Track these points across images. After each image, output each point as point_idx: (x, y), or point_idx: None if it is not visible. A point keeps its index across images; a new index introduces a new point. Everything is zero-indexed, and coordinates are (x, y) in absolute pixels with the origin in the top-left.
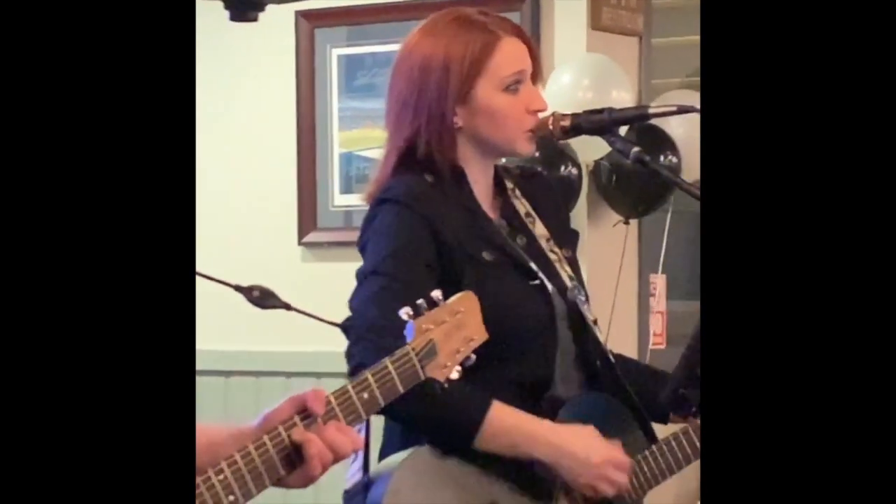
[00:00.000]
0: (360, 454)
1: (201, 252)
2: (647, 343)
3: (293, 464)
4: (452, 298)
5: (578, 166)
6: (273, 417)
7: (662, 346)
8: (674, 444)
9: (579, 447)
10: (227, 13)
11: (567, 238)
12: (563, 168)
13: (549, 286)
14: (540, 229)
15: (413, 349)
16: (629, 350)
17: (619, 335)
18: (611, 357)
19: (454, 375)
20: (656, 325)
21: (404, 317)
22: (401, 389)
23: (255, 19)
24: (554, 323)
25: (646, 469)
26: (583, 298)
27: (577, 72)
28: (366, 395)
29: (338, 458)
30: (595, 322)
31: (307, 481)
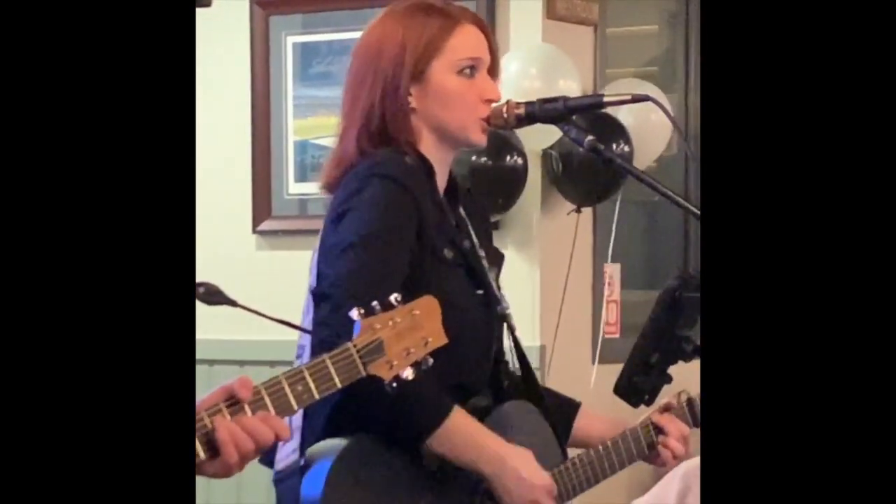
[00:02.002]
0: (297, 435)
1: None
2: (600, 332)
3: (216, 450)
4: (411, 302)
5: (524, 156)
6: (199, 406)
7: (616, 336)
8: (585, 460)
9: (524, 469)
10: None
11: (493, 258)
12: (508, 158)
13: (490, 296)
14: (474, 238)
15: (354, 346)
16: (583, 339)
17: (572, 324)
18: (533, 371)
19: (406, 375)
20: (610, 314)
21: (354, 315)
22: (338, 384)
23: (208, 4)
24: (491, 331)
25: (560, 483)
26: (509, 311)
27: (525, 61)
28: (299, 388)
29: (258, 447)
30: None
31: (224, 469)
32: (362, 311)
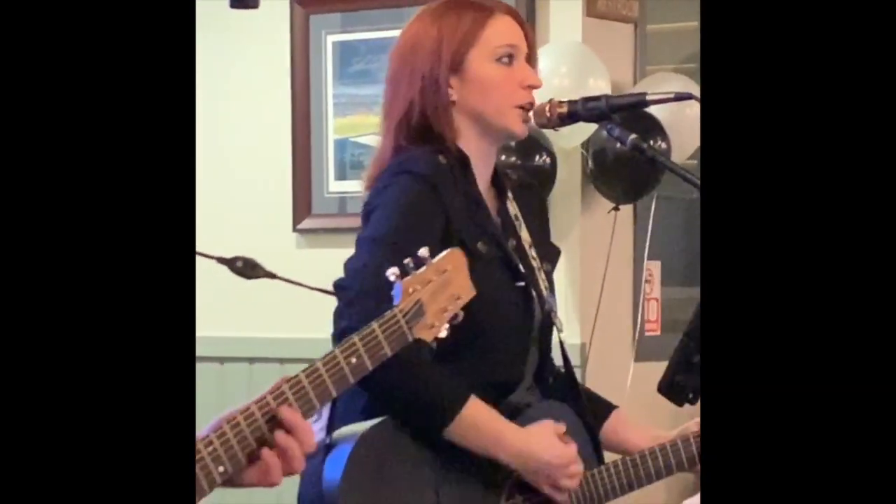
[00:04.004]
0: (325, 413)
1: (196, 239)
2: (642, 330)
3: (252, 458)
4: (439, 256)
5: (553, 155)
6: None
7: (657, 333)
8: (620, 467)
9: (544, 450)
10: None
11: (548, 253)
12: (536, 157)
13: (532, 290)
14: (525, 235)
15: (401, 311)
16: (623, 336)
17: (613, 322)
18: (574, 373)
19: (442, 334)
20: (650, 311)
21: (391, 277)
22: (388, 352)
23: (255, 6)
24: (532, 326)
25: (592, 487)
26: (556, 310)
27: (555, 59)
28: (354, 360)
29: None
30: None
31: (264, 476)
32: (398, 272)
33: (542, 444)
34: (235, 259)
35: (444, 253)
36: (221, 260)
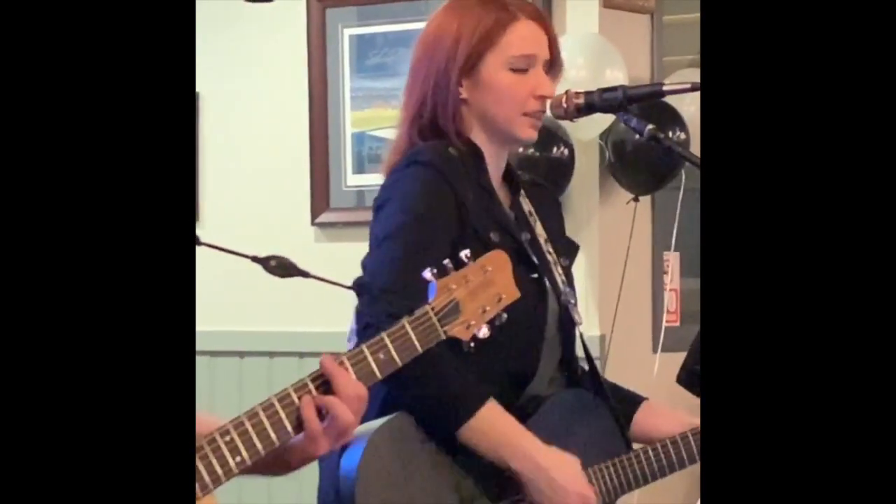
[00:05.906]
0: None
1: (214, 233)
2: (661, 320)
3: (300, 427)
4: (481, 258)
5: (571, 146)
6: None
7: (676, 324)
8: (651, 454)
9: (560, 473)
10: None
11: (565, 248)
12: (554, 149)
13: (547, 283)
14: (540, 230)
15: (432, 308)
16: (643, 327)
17: (631, 313)
18: (596, 364)
19: (483, 333)
20: (669, 302)
21: (428, 276)
22: (419, 349)
23: None
24: (545, 318)
25: (620, 473)
26: (573, 303)
27: (571, 50)
28: (381, 356)
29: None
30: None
31: (313, 451)
32: (435, 271)
33: (566, 472)
34: (270, 258)
35: (487, 254)
36: (256, 259)
